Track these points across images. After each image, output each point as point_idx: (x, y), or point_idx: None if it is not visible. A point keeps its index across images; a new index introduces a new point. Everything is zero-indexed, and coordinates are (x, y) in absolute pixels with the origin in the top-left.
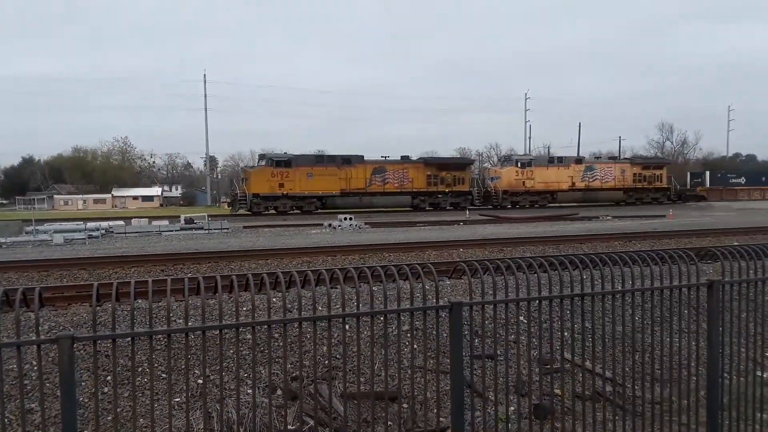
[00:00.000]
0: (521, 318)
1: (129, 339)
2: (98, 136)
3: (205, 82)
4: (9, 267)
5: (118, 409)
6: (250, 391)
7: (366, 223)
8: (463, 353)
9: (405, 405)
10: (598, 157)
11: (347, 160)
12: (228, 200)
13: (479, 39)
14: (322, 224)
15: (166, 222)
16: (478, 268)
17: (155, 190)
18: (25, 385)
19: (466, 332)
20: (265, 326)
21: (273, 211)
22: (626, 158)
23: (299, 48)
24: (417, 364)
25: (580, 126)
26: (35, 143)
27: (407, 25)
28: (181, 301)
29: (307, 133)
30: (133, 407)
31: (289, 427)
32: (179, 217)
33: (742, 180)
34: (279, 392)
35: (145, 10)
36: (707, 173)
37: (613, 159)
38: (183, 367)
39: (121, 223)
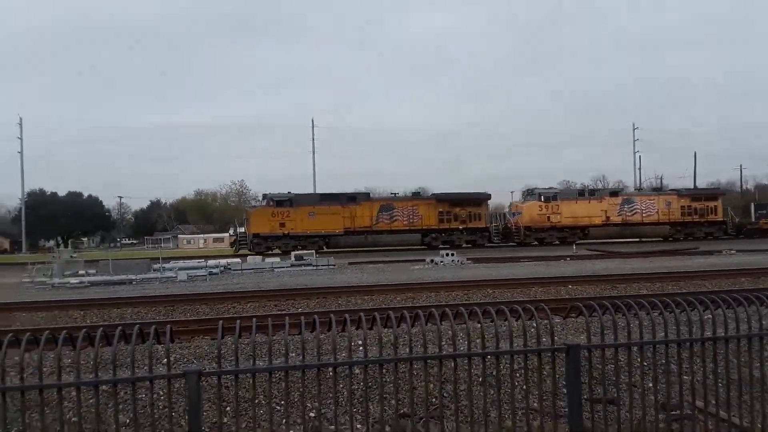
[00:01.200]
0: (644, 362)
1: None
2: (218, 180)
3: (313, 126)
4: (139, 302)
5: None
6: (359, 425)
7: (468, 259)
8: (582, 396)
9: None
10: (639, 189)
11: (352, 198)
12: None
13: (581, 71)
14: (424, 260)
15: (277, 259)
16: (596, 307)
17: None
18: (154, 414)
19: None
20: (377, 364)
21: (277, 250)
22: (673, 189)
23: (403, 92)
24: (530, 406)
25: (695, 156)
26: (162, 187)
27: (511, 61)
28: (297, 335)
29: (415, 173)
30: None
31: None
32: (290, 254)
33: None
34: (388, 429)
35: (252, 60)
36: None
37: (657, 191)
38: (297, 400)
39: (238, 260)
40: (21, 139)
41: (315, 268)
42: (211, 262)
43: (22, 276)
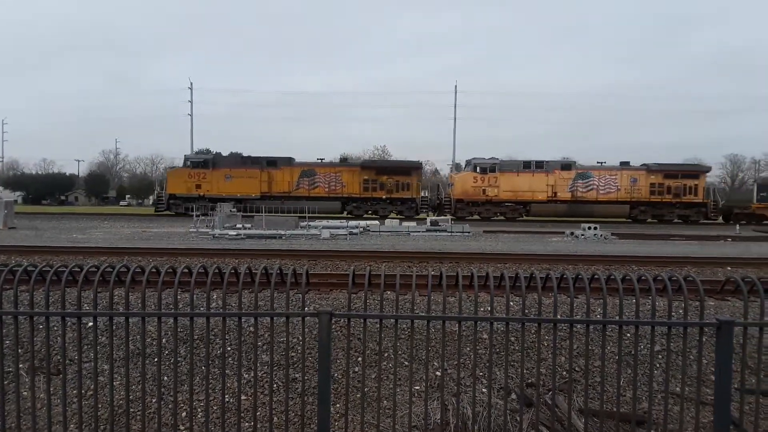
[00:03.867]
0: None
1: (377, 322)
2: (361, 146)
3: (456, 92)
4: (286, 255)
5: (365, 389)
6: (485, 390)
7: (613, 234)
8: (732, 385)
9: None
10: (602, 163)
11: (272, 162)
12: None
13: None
14: (563, 232)
15: (414, 224)
16: (757, 282)
17: None
18: (291, 357)
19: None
20: (503, 323)
21: (193, 213)
22: (644, 164)
23: (552, 53)
24: (670, 390)
25: None
26: (315, 152)
27: (667, 19)
28: (424, 296)
29: (553, 139)
30: (378, 389)
31: None
32: (425, 219)
33: None
34: (513, 396)
35: (404, 27)
36: (756, 184)
37: (625, 165)
38: (423, 357)
39: (377, 222)
40: (191, 102)
41: (450, 234)
42: (352, 222)
43: (188, 226)
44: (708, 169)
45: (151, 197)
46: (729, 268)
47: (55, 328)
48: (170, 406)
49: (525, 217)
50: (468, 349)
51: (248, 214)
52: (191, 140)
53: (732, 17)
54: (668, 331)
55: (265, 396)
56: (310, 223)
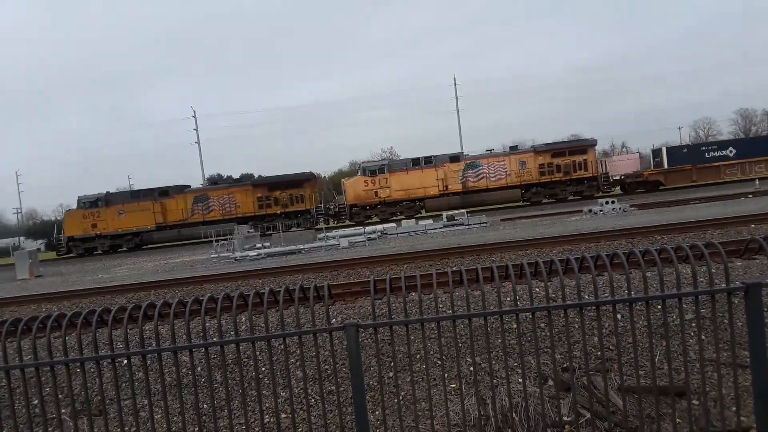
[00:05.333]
0: None
1: (404, 327)
2: (369, 149)
3: (455, 84)
4: (308, 268)
5: (401, 393)
6: (520, 380)
7: (632, 206)
8: (766, 344)
9: (695, 401)
10: (491, 150)
11: (164, 192)
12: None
13: None
14: (581, 210)
15: (430, 221)
16: None
17: None
18: (324, 370)
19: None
20: (529, 314)
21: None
22: (532, 147)
23: (539, 29)
24: (706, 357)
25: None
26: (320, 161)
27: None
28: (448, 293)
29: (552, 119)
30: (413, 392)
31: (564, 418)
32: (441, 215)
33: (730, 152)
34: (550, 382)
35: (380, 29)
36: (663, 149)
37: (513, 149)
38: (454, 354)
39: (393, 225)
40: (197, 130)
41: (467, 227)
42: (368, 228)
43: (209, 252)
44: (594, 142)
45: (44, 241)
46: (753, 226)
47: (92, 370)
48: None
49: (423, 213)
50: (498, 341)
51: (147, 247)
52: (201, 167)
53: None
54: (696, 300)
55: (304, 412)
56: (328, 234)
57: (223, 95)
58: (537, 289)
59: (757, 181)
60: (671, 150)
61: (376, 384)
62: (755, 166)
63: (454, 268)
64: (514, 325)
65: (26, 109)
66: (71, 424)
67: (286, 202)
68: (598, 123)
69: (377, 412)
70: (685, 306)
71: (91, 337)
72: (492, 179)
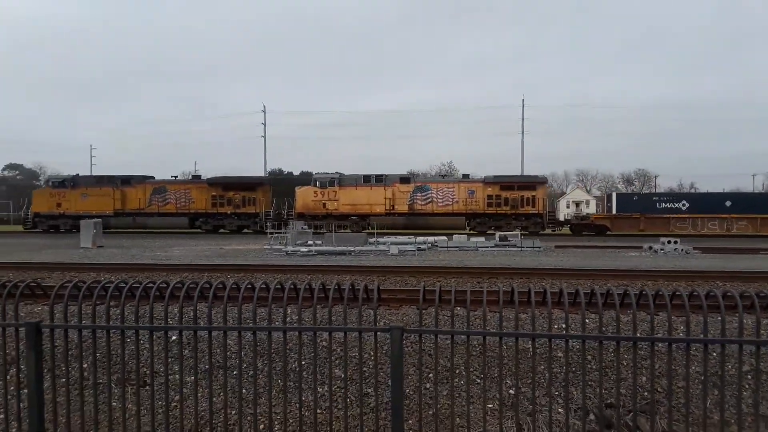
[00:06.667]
0: None
1: (448, 338)
2: (428, 162)
3: (523, 106)
4: (356, 270)
5: (438, 406)
6: (561, 410)
7: (695, 248)
8: None
9: None
10: (444, 176)
11: (126, 181)
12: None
13: None
14: (641, 246)
15: (482, 239)
16: None
17: None
18: (363, 372)
19: None
20: (578, 341)
21: (59, 230)
22: (483, 177)
23: (630, 64)
24: (761, 413)
25: None
26: (377, 167)
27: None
28: (495, 312)
29: (626, 151)
30: (452, 406)
31: None
32: (494, 234)
33: (683, 205)
34: (592, 417)
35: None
36: (614, 194)
37: (465, 177)
38: (495, 374)
39: (444, 238)
40: (264, 124)
41: (520, 249)
42: (419, 238)
43: (263, 243)
44: (545, 181)
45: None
46: None
47: (142, 341)
48: (248, 418)
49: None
50: (542, 367)
51: (108, 231)
52: (264, 160)
53: None
54: (756, 350)
55: (340, 411)
56: (379, 239)
57: (295, 96)
58: (587, 321)
59: None
60: (621, 196)
61: (412, 393)
62: (708, 222)
63: (505, 288)
64: (560, 354)
65: (121, 90)
66: (117, 390)
67: (239, 203)
68: (683, 161)
69: (411, 421)
70: (743, 356)
71: (144, 310)
72: (439, 204)
